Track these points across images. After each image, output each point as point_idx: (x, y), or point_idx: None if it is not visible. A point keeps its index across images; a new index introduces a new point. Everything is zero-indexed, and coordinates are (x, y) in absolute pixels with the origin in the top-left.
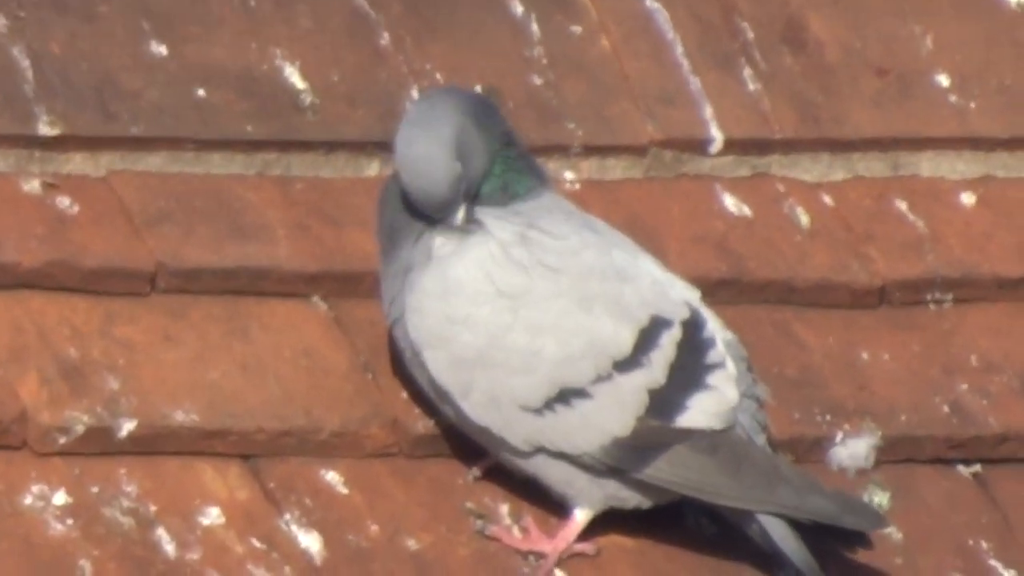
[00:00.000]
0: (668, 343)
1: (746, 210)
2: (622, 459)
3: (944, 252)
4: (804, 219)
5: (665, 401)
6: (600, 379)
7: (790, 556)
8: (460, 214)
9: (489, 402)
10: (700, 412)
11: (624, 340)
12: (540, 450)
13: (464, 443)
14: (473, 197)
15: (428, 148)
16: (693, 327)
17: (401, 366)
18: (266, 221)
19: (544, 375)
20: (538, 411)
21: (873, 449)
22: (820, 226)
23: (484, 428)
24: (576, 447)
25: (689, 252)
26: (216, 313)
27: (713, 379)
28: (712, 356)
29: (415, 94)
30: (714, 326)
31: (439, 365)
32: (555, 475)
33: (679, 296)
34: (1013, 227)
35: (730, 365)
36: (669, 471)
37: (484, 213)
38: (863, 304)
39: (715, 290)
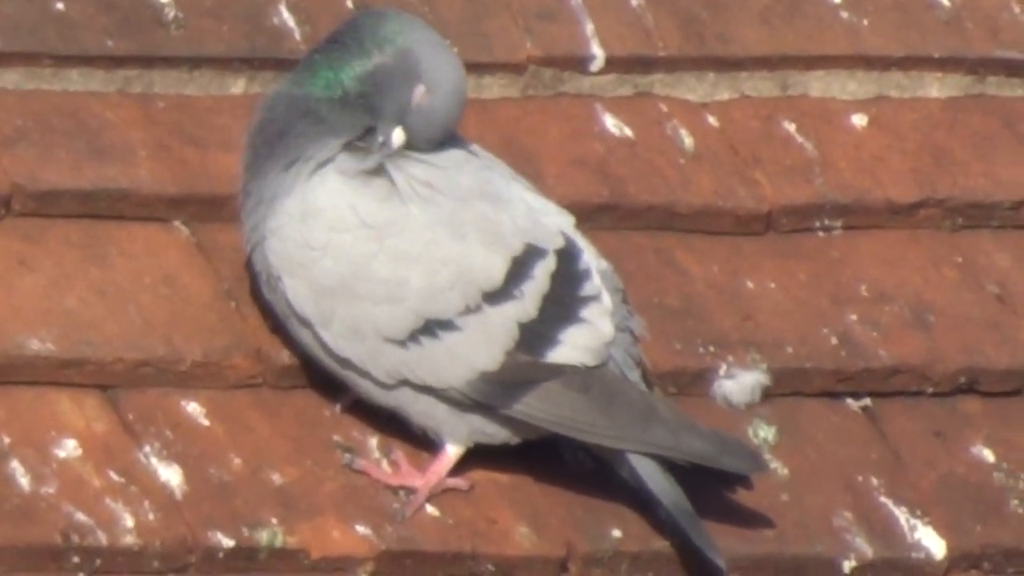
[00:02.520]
0: (541, 274)
1: (627, 131)
2: (490, 395)
3: (834, 176)
4: (688, 141)
5: (536, 335)
6: (469, 311)
7: (660, 497)
8: (398, 141)
9: (351, 333)
10: (573, 347)
11: (495, 270)
12: (404, 383)
13: (330, 375)
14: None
15: (466, 84)
16: (568, 257)
17: (264, 294)
18: (126, 141)
19: (409, 306)
20: (402, 343)
21: (759, 382)
22: (704, 149)
23: (345, 359)
24: (442, 381)
25: (568, 175)
26: (73, 238)
27: (587, 312)
28: (587, 288)
29: (283, 9)
30: (590, 256)
31: (298, 293)
32: (419, 409)
33: (554, 224)
34: (906, 150)
35: (605, 298)
36: (539, 408)
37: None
38: (749, 231)
39: (594, 215)
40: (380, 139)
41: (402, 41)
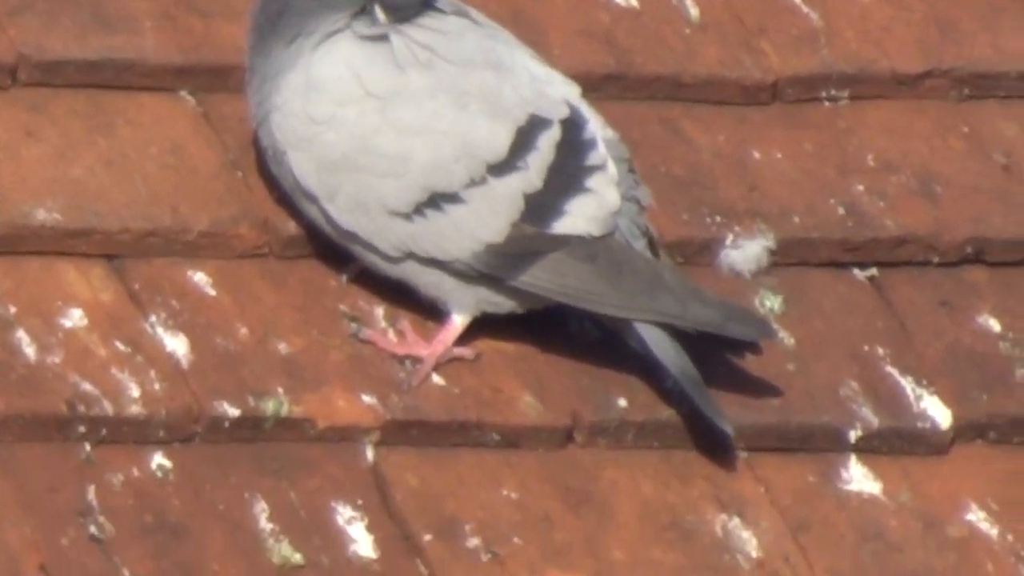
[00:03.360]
0: (546, 144)
1: (633, 2)
2: (496, 266)
3: (840, 46)
4: (693, 11)
5: (542, 206)
6: (473, 183)
7: (668, 365)
8: (384, 17)
9: (356, 206)
10: (579, 217)
11: (500, 141)
12: (409, 256)
13: (337, 246)
14: None
15: None
16: (573, 127)
17: (270, 169)
18: (131, 11)
19: (414, 179)
20: (407, 216)
21: (765, 252)
22: (710, 18)
23: (351, 232)
24: (447, 253)
25: (573, 45)
26: (79, 108)
27: (593, 182)
28: (592, 158)
29: None
30: (595, 125)
31: (303, 167)
32: (425, 280)
33: (558, 94)
34: (912, 20)
35: (611, 167)
36: (545, 278)
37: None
38: (755, 101)
39: (600, 85)
40: (373, 14)
41: None
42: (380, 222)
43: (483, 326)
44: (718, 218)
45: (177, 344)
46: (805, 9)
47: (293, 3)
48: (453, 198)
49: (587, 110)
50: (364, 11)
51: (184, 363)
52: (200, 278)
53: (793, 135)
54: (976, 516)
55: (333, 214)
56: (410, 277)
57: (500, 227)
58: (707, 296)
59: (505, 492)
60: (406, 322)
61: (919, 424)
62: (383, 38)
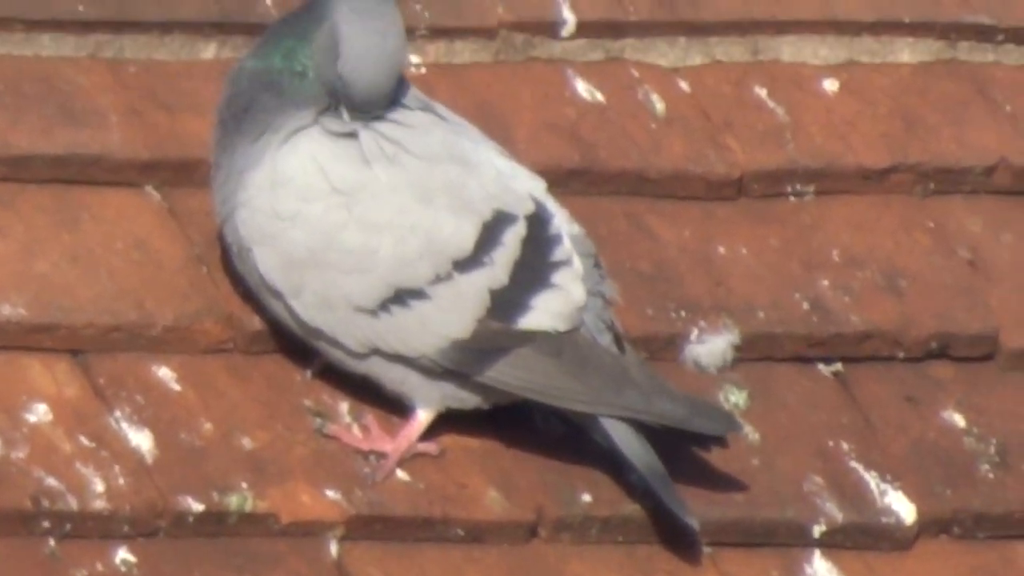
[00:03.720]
0: (512, 240)
1: (599, 96)
2: (462, 362)
3: (805, 141)
4: (659, 106)
5: (508, 302)
6: (439, 279)
7: (633, 460)
8: (349, 118)
9: (321, 303)
10: (544, 313)
11: (465, 237)
12: (375, 352)
13: (302, 342)
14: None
15: (401, 40)
16: (538, 222)
17: (235, 266)
18: (98, 106)
19: (379, 276)
20: (373, 312)
21: (730, 347)
22: (676, 113)
23: (316, 329)
24: (412, 349)
25: (539, 140)
26: (45, 202)
27: (558, 278)
28: (558, 253)
29: None
30: (561, 220)
31: (268, 264)
32: (390, 376)
33: (524, 188)
34: (877, 115)
35: (576, 262)
36: (512, 374)
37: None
38: (720, 196)
39: (566, 180)
40: (339, 114)
41: (334, 14)
42: (345, 318)
43: (447, 421)
44: (683, 313)
45: (142, 439)
46: (771, 104)
47: (259, 100)
48: (419, 294)
49: (553, 205)
50: (331, 108)
51: (149, 458)
52: (165, 373)
53: (758, 230)
54: None
55: (298, 310)
56: (375, 373)
57: (466, 323)
58: (673, 391)
59: None
60: (371, 417)
61: (883, 519)
62: (351, 134)
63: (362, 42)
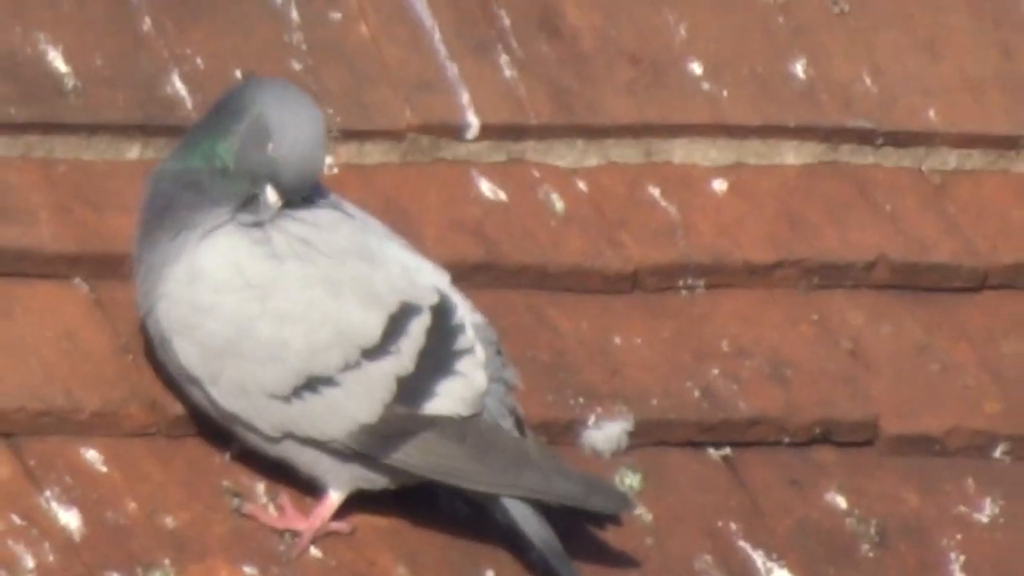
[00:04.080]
0: (417, 330)
1: (502, 195)
2: (369, 445)
3: (696, 238)
4: (559, 205)
5: (413, 388)
6: (348, 367)
7: (533, 538)
8: (275, 202)
9: (237, 390)
10: (448, 398)
11: (373, 328)
12: (288, 436)
13: (220, 426)
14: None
15: (323, 130)
16: (442, 313)
17: (157, 355)
18: (28, 203)
19: (291, 365)
20: (286, 399)
21: (625, 432)
22: (574, 212)
23: (233, 414)
24: (324, 433)
25: (446, 237)
26: None
27: (461, 365)
28: (461, 342)
29: (176, 79)
30: (464, 311)
31: (187, 352)
32: (303, 459)
33: (428, 282)
34: (763, 214)
35: (479, 350)
36: (417, 457)
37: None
38: (616, 289)
39: (471, 275)
40: (262, 201)
41: (256, 107)
42: (260, 404)
43: (358, 501)
44: (581, 400)
45: (70, 518)
46: (663, 203)
47: (179, 198)
48: (329, 381)
49: (457, 297)
50: (249, 201)
51: (77, 536)
52: (92, 455)
53: (652, 322)
54: None
55: (216, 396)
56: (289, 455)
57: (374, 408)
58: (571, 471)
59: None
60: (285, 497)
61: None
62: (263, 232)
63: (292, 127)
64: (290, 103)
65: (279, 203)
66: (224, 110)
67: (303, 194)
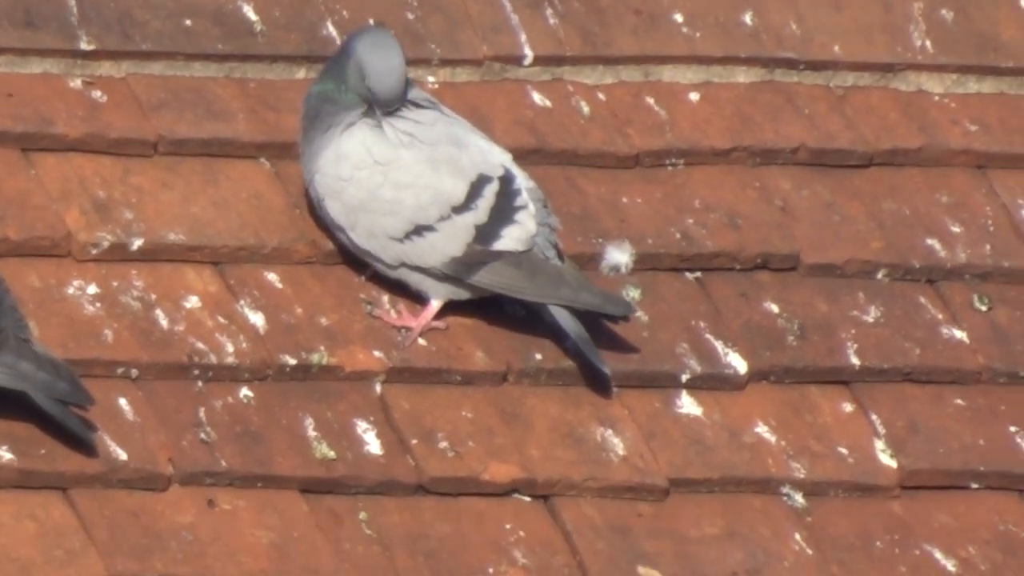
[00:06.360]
0: (489, 192)
1: (548, 103)
2: (457, 270)
3: (678, 132)
4: (586, 109)
5: (486, 232)
6: (443, 219)
7: (568, 331)
8: (381, 113)
9: (368, 234)
10: (510, 239)
11: (459, 192)
12: (402, 264)
13: (357, 258)
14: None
15: (401, 60)
16: (506, 181)
17: (315, 209)
18: (230, 108)
19: (405, 217)
20: (401, 240)
21: (630, 261)
22: (596, 114)
23: (366, 251)
24: (426, 263)
25: (510, 130)
26: (197, 168)
27: (519, 216)
28: (519, 200)
29: (329, 24)
30: (521, 179)
31: (334, 209)
32: (413, 279)
33: (497, 159)
34: (723, 115)
35: (531, 206)
36: (489, 278)
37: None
38: (624, 166)
39: (526, 156)
40: (374, 112)
41: (357, 51)
42: (383, 244)
43: (450, 307)
44: (600, 239)
45: (257, 318)
46: (656, 108)
47: (322, 108)
48: (430, 228)
49: (516, 169)
50: (367, 110)
51: (262, 331)
52: (272, 276)
53: (648, 187)
54: (761, 429)
55: (354, 239)
56: (403, 277)
57: (460, 246)
58: (593, 287)
59: (463, 412)
60: (402, 304)
61: (726, 371)
62: (384, 127)
63: (375, 65)
64: (378, 49)
65: (382, 114)
66: (343, 52)
67: (395, 105)
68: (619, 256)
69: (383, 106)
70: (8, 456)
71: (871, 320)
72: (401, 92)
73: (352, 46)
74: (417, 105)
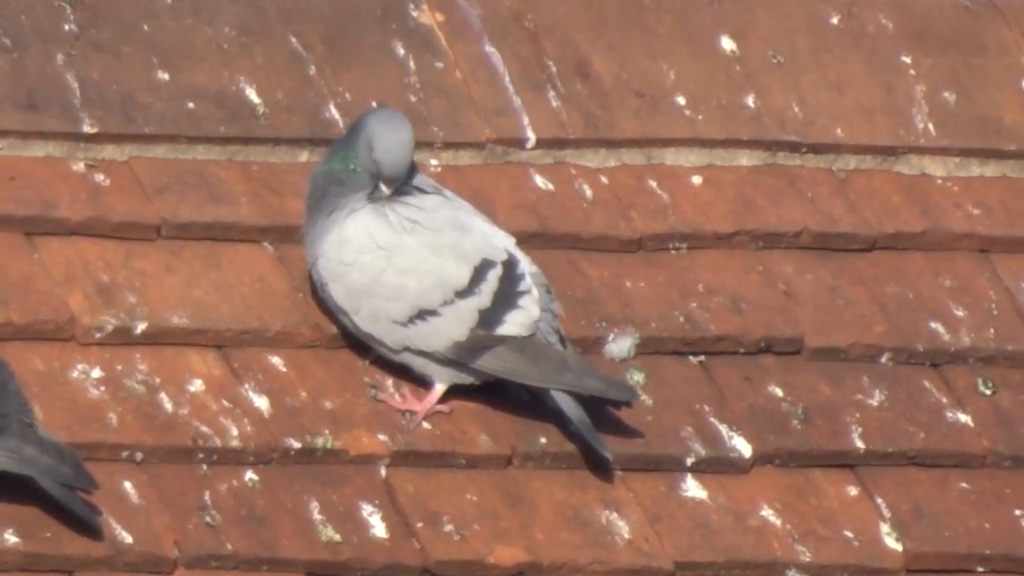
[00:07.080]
0: (493, 277)
1: (550, 186)
2: (461, 355)
3: (680, 215)
4: (588, 192)
5: (489, 317)
6: (446, 303)
7: (571, 416)
8: (387, 189)
9: (372, 318)
10: (513, 324)
11: (462, 277)
12: (406, 349)
13: (361, 342)
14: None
15: (410, 137)
16: (510, 265)
17: (318, 293)
18: (232, 191)
19: (408, 302)
20: (404, 324)
21: (633, 345)
22: (599, 197)
23: (370, 335)
24: (430, 347)
25: (512, 214)
26: (200, 252)
27: (522, 301)
28: (522, 285)
29: (332, 107)
30: (525, 264)
31: (338, 293)
32: (417, 364)
33: (501, 244)
34: (726, 199)
35: (535, 291)
36: (493, 363)
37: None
38: (627, 249)
39: (529, 240)
40: (379, 190)
41: (368, 126)
42: (387, 328)
43: (454, 391)
44: (603, 323)
45: (261, 402)
46: (659, 192)
47: (329, 190)
48: (433, 312)
49: (519, 254)
50: (373, 189)
51: (266, 414)
52: (276, 360)
53: (651, 271)
54: (767, 512)
55: (357, 323)
56: (407, 361)
57: (463, 331)
58: (596, 372)
59: (468, 496)
60: (406, 388)
61: (731, 454)
62: (387, 213)
63: (387, 139)
64: (388, 124)
65: (388, 190)
66: (354, 130)
67: (401, 182)
68: (622, 340)
69: (388, 181)
70: (14, 539)
71: (875, 404)
72: (406, 168)
73: (364, 121)
74: (421, 190)
